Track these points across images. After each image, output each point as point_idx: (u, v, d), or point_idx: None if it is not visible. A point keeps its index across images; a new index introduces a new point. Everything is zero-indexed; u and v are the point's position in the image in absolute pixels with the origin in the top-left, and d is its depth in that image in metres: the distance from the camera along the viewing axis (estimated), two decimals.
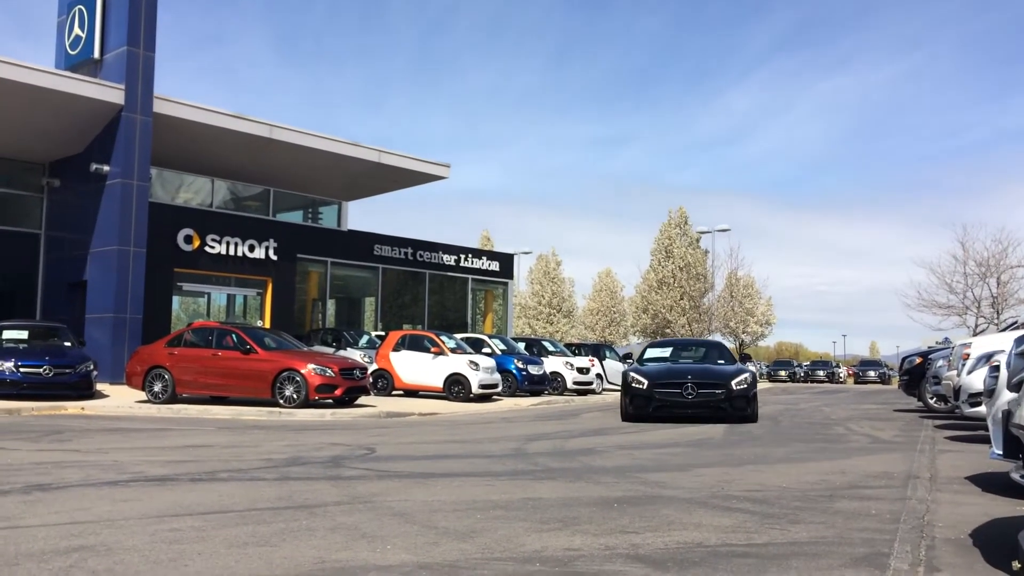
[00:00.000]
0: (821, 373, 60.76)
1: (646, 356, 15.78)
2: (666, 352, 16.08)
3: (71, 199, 23.14)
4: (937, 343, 25.29)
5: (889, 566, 3.90)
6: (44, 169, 24.19)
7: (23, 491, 5.85)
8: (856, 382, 58.61)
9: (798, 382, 57.95)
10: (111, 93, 21.10)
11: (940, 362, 14.92)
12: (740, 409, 13.39)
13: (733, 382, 13.44)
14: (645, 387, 13.54)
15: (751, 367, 15.06)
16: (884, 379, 57.54)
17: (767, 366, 65.24)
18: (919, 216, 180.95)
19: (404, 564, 3.84)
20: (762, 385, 44.38)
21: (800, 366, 66.61)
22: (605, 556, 4.05)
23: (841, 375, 62.23)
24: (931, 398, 16.53)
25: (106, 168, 21.48)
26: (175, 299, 25.22)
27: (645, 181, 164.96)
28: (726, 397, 13.29)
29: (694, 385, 13.35)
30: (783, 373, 60.64)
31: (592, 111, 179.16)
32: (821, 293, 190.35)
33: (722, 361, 14.96)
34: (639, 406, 13.60)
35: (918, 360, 18.29)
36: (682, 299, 57.15)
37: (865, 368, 62.26)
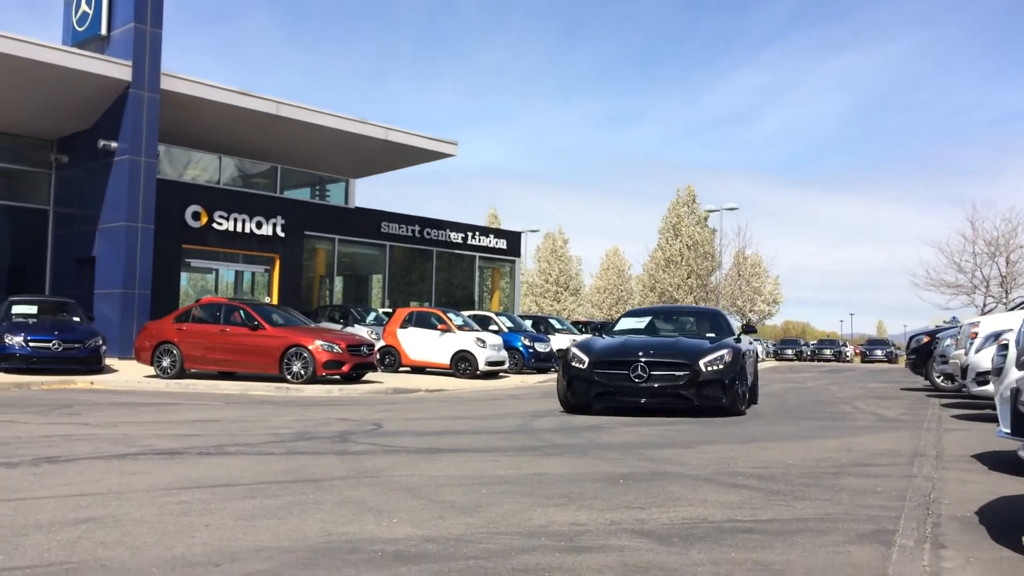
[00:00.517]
0: (828, 352, 60.72)
1: (617, 327, 12.35)
2: (642, 322, 12.50)
3: (79, 175, 23.17)
4: (945, 322, 25.23)
5: (895, 543, 3.90)
6: (52, 145, 24.22)
7: (32, 463, 5.89)
8: (863, 361, 58.60)
9: (805, 361, 57.93)
10: (118, 70, 21.06)
11: (948, 341, 14.87)
12: (711, 398, 10.14)
13: (703, 361, 10.10)
14: (585, 367, 10.34)
15: (745, 343, 11.73)
16: (891, 358, 57.46)
17: (774, 344, 65.20)
18: (928, 194, 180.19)
19: (410, 537, 3.86)
20: (769, 364, 44.42)
21: (807, 345, 66.58)
22: (610, 531, 4.06)
23: (848, 354, 62.20)
24: (938, 377, 16.51)
25: (114, 144, 21.48)
26: (183, 275, 25.31)
27: (653, 159, 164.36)
28: (690, 381, 10.02)
29: (647, 365, 10.05)
30: (790, 352, 60.61)
31: (600, 89, 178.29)
32: (828, 272, 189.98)
33: (712, 334, 11.43)
34: (578, 392, 10.50)
35: (925, 339, 18.25)
36: (689, 278, 57.11)
37: (872, 347, 62.17)
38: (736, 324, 12.29)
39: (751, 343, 12.66)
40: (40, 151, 24.28)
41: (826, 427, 9.62)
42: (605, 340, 11.43)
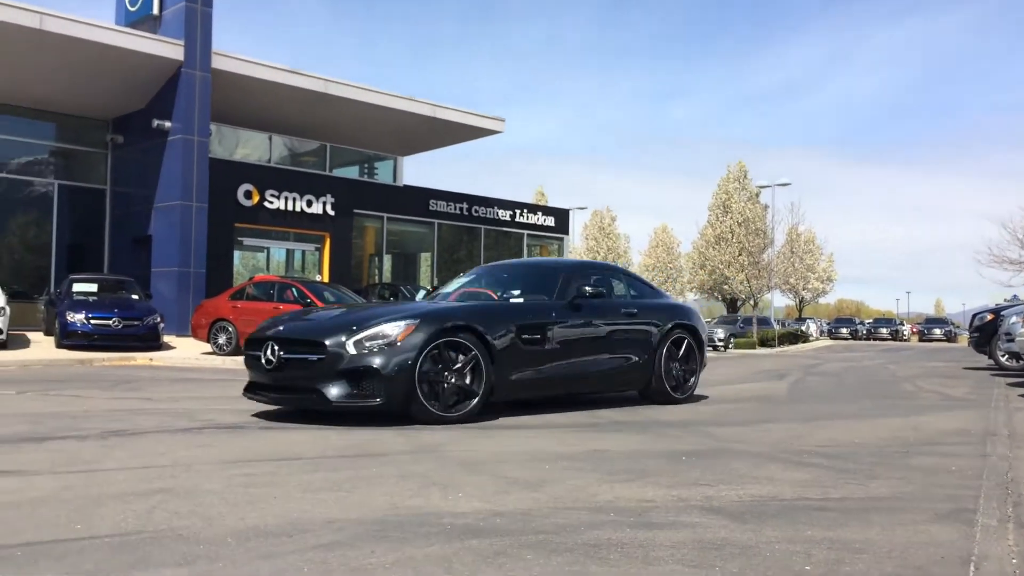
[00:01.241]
0: (884, 331, 59.58)
1: (446, 289, 9.73)
2: (464, 281, 9.73)
3: (135, 155, 23.58)
4: (1006, 300, 24.52)
5: (977, 522, 3.77)
6: (108, 126, 24.66)
7: (100, 436, 6.01)
8: (921, 340, 57.38)
9: (860, 340, 56.89)
10: (170, 49, 21.31)
11: (1013, 319, 14.44)
12: (360, 396, 6.65)
13: (352, 340, 6.68)
14: (248, 347, 7.45)
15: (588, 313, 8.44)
16: (950, 337, 56.19)
17: (828, 323, 64.16)
18: (985, 169, 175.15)
19: (478, 512, 3.83)
20: (823, 342, 43.67)
21: (862, 323, 65.41)
22: (680, 508, 3.99)
23: (905, 333, 60.93)
24: (1003, 355, 16.04)
25: (168, 124, 21.80)
26: (236, 253, 25.68)
27: (703, 134, 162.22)
28: (328, 370, 6.66)
29: (279, 345, 6.93)
30: (844, 330, 59.60)
31: (647, 64, 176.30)
32: (884, 249, 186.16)
33: (529, 296, 8.69)
34: (251, 373, 7.44)
35: (989, 317, 17.74)
36: (740, 255, 56.27)
37: (931, 326, 60.87)
38: (617, 287, 9.01)
39: (632, 313, 8.75)
40: (97, 131, 24.75)
41: (889, 406, 9.39)
42: (288, 314, 8.55)
